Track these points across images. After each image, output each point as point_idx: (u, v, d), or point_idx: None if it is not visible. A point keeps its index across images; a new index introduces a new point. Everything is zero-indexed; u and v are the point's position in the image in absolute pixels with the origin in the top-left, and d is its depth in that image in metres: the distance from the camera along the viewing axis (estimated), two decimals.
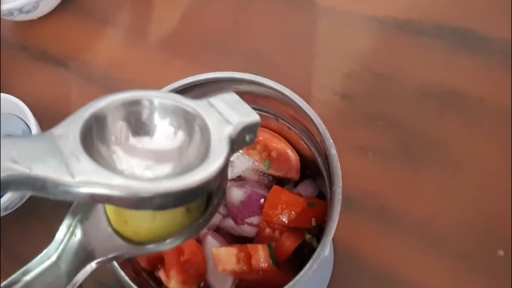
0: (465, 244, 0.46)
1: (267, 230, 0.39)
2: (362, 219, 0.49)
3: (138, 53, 0.65)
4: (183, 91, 0.38)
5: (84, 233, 0.26)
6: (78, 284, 0.24)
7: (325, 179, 0.37)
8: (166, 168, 0.25)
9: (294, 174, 0.42)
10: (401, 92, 0.55)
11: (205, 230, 0.41)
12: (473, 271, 0.45)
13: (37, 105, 0.59)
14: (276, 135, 0.43)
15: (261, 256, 0.37)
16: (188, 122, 0.25)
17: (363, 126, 0.54)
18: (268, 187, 0.42)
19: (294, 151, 0.42)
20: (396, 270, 0.46)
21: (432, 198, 0.49)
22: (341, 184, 0.33)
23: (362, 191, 0.50)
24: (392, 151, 0.52)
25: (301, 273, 0.31)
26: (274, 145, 0.42)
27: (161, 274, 0.39)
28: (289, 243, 0.38)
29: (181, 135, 0.26)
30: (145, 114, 0.26)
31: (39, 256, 0.25)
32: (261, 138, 0.43)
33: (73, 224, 0.26)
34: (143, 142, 0.26)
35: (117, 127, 0.25)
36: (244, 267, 0.37)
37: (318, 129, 0.35)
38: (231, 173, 0.43)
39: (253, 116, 0.26)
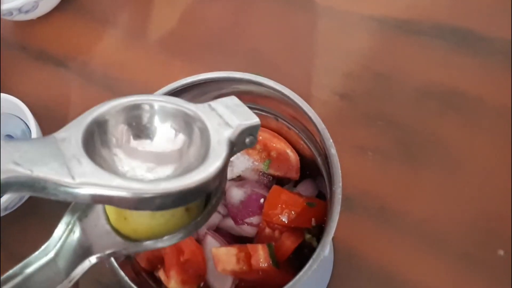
0: (465, 244, 0.46)
1: (267, 230, 0.39)
2: (362, 219, 0.49)
3: (138, 53, 0.65)
4: (182, 91, 0.38)
5: (83, 230, 0.26)
6: (75, 280, 0.25)
7: (325, 179, 0.37)
8: (167, 170, 0.25)
9: (294, 174, 0.42)
10: (401, 92, 0.55)
11: (205, 230, 0.41)
12: (473, 271, 0.45)
13: (36, 105, 0.59)
14: (276, 135, 0.43)
15: (261, 256, 0.37)
16: (189, 125, 0.26)
17: (363, 126, 0.54)
18: (268, 187, 0.42)
19: (294, 151, 0.42)
20: (396, 270, 0.46)
21: (432, 198, 0.49)
22: (341, 184, 0.33)
23: (362, 191, 0.50)
24: (392, 151, 0.52)
25: (301, 273, 0.31)
26: (274, 145, 0.42)
27: (161, 274, 0.39)
28: (289, 243, 0.38)
29: (181, 137, 0.26)
30: (146, 118, 0.26)
31: (37, 252, 0.25)
32: (260, 138, 0.42)
33: (72, 221, 0.26)
34: (145, 145, 0.26)
35: (119, 130, 0.26)
36: (244, 267, 0.37)
37: (317, 129, 0.35)
38: (231, 173, 0.43)
39: (253, 119, 0.26)
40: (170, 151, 0.26)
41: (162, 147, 0.26)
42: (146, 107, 0.26)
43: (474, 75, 0.54)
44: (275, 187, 0.40)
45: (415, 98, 0.54)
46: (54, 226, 0.26)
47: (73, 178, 0.21)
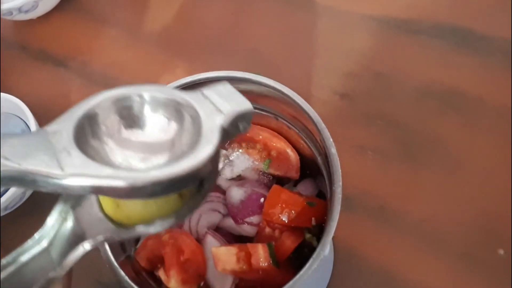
0: (465, 244, 0.46)
1: (267, 230, 0.39)
2: (362, 218, 0.49)
3: (137, 53, 0.65)
4: (182, 90, 0.38)
5: (76, 219, 0.26)
6: (69, 267, 0.24)
7: (325, 179, 0.37)
8: (161, 159, 0.25)
9: (294, 174, 0.42)
10: (400, 92, 0.55)
11: (205, 230, 0.41)
12: (473, 271, 0.45)
13: (36, 104, 0.59)
14: (276, 134, 0.43)
15: (261, 256, 0.37)
16: (180, 114, 0.26)
17: (363, 125, 0.54)
18: (268, 187, 0.42)
19: (294, 150, 0.42)
20: (396, 269, 0.46)
21: (432, 198, 0.49)
22: (341, 183, 0.33)
23: (362, 190, 0.50)
24: (392, 150, 0.52)
25: (301, 272, 0.31)
26: (274, 144, 0.42)
27: (161, 273, 0.39)
28: (289, 243, 0.38)
29: (174, 126, 0.26)
30: (137, 108, 0.26)
31: (30, 241, 0.25)
32: (260, 137, 0.42)
33: (65, 210, 0.26)
34: (137, 135, 0.26)
35: (111, 122, 0.26)
36: (244, 267, 0.37)
37: (317, 128, 0.35)
38: (230, 173, 0.43)
39: (245, 105, 0.26)
40: (163, 140, 0.26)
41: (155, 136, 0.26)
42: (137, 97, 0.26)
43: (474, 74, 0.54)
44: (275, 186, 0.40)
45: (415, 98, 0.54)
46: None
47: (62, 169, 0.21)
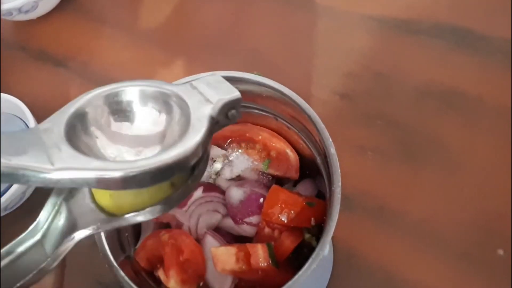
0: (464, 244, 0.46)
1: (267, 230, 0.39)
2: (362, 218, 0.49)
3: (137, 53, 0.65)
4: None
5: (69, 211, 0.26)
6: (61, 257, 0.25)
7: (324, 179, 0.37)
8: (154, 151, 0.26)
9: (294, 174, 0.42)
10: (400, 92, 0.55)
11: (204, 230, 0.41)
12: (473, 271, 0.45)
13: (36, 104, 0.59)
14: (276, 134, 0.43)
15: (260, 256, 0.37)
16: (169, 105, 0.26)
17: (363, 125, 0.54)
18: (268, 187, 0.42)
19: (293, 150, 0.42)
20: (396, 269, 0.46)
21: (432, 198, 0.49)
22: (340, 183, 0.33)
23: (362, 190, 0.50)
24: (392, 150, 0.52)
25: (300, 272, 0.31)
26: (274, 144, 0.42)
27: (161, 273, 0.39)
28: (289, 243, 0.38)
29: (164, 118, 0.27)
30: (127, 103, 0.27)
31: (23, 234, 0.25)
32: (260, 137, 0.43)
33: (58, 202, 0.26)
34: (129, 129, 0.27)
35: (102, 118, 0.26)
36: (244, 267, 0.37)
37: (317, 129, 0.35)
38: (230, 173, 0.43)
39: (233, 93, 0.26)
40: (155, 132, 0.27)
41: (147, 129, 0.27)
42: (127, 93, 0.27)
43: (473, 74, 0.54)
44: (274, 186, 0.40)
45: (415, 97, 0.54)
46: None
47: (52, 164, 0.22)
